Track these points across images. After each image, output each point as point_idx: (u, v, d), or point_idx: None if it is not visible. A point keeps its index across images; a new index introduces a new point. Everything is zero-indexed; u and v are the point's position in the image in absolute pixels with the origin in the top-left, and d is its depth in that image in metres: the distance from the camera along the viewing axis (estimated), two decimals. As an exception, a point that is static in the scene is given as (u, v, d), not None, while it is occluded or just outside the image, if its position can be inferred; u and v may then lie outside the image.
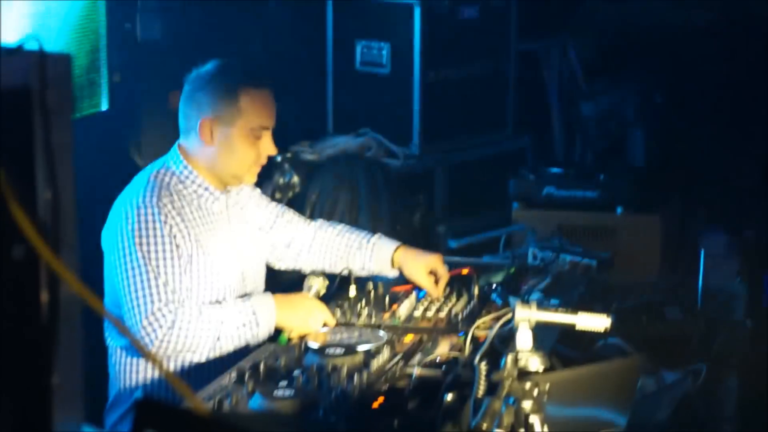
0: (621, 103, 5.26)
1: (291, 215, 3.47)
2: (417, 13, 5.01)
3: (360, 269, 3.42)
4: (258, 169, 3.21)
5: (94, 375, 3.30)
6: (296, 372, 2.71)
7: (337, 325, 3.11)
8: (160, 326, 2.94)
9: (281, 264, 3.48)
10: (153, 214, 3.04)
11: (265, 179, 4.73)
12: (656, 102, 5.17)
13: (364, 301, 3.26)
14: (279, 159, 5.01)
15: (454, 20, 5.17)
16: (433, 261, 3.31)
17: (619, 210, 4.31)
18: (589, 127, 5.33)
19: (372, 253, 3.40)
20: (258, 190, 3.45)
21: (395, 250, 3.38)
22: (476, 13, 5.26)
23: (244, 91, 3.12)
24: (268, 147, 3.19)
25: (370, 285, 3.36)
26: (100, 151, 4.29)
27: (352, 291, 3.32)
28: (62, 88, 1.16)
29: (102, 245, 3.15)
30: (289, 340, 3.02)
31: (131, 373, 3.17)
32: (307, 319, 3.04)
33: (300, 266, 3.48)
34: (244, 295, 3.23)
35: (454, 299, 3.28)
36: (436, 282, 3.31)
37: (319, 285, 3.21)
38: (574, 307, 3.12)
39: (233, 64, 3.18)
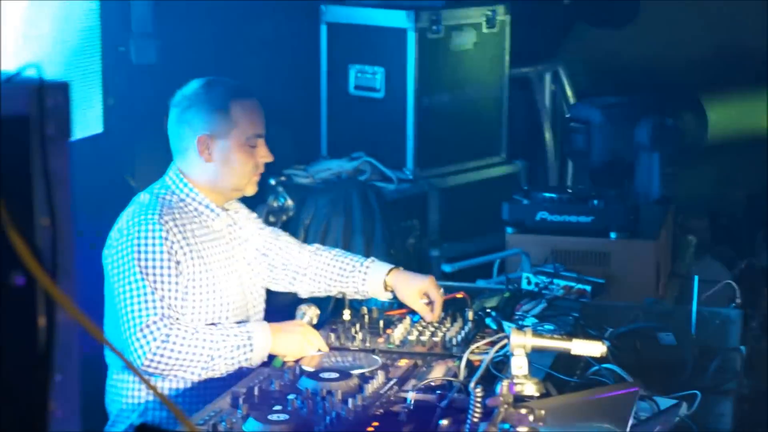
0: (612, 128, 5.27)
1: (287, 239, 3.49)
2: (411, 37, 5.03)
3: (354, 293, 3.43)
4: (257, 179, 3.26)
5: (96, 390, 3.32)
6: (291, 396, 2.70)
7: (332, 349, 3.11)
8: (154, 339, 2.94)
9: (277, 286, 3.49)
10: (153, 231, 3.05)
11: (259, 203, 4.73)
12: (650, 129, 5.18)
13: (358, 325, 3.26)
14: (273, 182, 5.02)
15: (449, 45, 5.19)
16: (426, 284, 3.31)
17: (613, 235, 4.31)
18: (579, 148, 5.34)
19: (365, 277, 3.41)
20: (254, 214, 3.48)
21: (387, 273, 3.38)
22: (471, 39, 5.28)
23: (235, 103, 3.18)
24: (264, 154, 3.24)
25: (365, 309, 3.36)
26: (95, 174, 4.29)
27: (347, 315, 3.32)
28: (60, 116, 1.16)
29: (103, 265, 3.15)
30: (284, 363, 3.02)
31: (130, 391, 3.18)
32: (302, 345, 3.04)
33: (296, 289, 3.50)
34: (246, 312, 3.25)
35: (448, 324, 3.28)
36: (430, 305, 3.31)
37: (311, 313, 3.21)
38: (569, 333, 3.14)
39: (218, 80, 3.23)
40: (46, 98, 1.13)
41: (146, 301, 2.98)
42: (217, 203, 3.25)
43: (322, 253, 3.49)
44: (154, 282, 3.01)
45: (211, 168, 3.20)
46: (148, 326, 2.95)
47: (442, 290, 3.34)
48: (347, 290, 3.42)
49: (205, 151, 3.17)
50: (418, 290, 3.31)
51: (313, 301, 3.91)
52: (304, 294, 3.53)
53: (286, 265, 3.44)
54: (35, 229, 1.13)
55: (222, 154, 3.18)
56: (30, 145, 1.13)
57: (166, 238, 3.07)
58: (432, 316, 3.27)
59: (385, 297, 3.40)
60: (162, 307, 2.98)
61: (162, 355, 2.94)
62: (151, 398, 3.17)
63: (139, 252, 3.03)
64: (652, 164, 5.08)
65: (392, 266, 3.41)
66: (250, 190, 3.28)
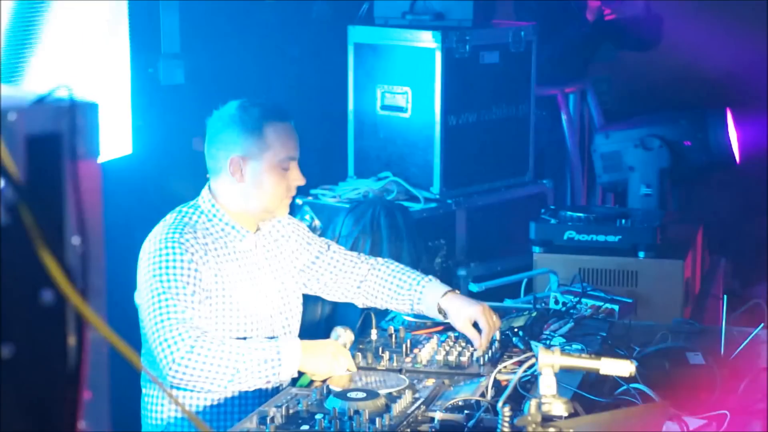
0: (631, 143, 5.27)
1: (338, 251, 3.48)
2: (438, 57, 5.04)
3: (409, 311, 3.43)
4: (289, 201, 3.27)
5: (131, 406, 3.34)
6: (318, 415, 2.71)
7: (359, 369, 3.11)
8: (178, 349, 2.95)
9: (331, 296, 3.50)
10: (174, 248, 3.07)
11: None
12: (655, 148, 5.18)
13: (385, 345, 3.26)
14: (300, 202, 5.04)
15: (475, 65, 5.19)
16: (476, 312, 3.27)
17: (641, 254, 4.30)
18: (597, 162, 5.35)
19: (421, 297, 3.39)
20: (304, 225, 3.49)
21: (443, 296, 3.36)
22: (497, 58, 5.28)
23: (269, 125, 3.19)
24: (296, 177, 3.25)
25: (392, 329, 3.36)
26: (124, 195, 4.32)
27: (374, 335, 3.32)
28: (90, 135, 1.18)
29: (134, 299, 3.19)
30: (312, 382, 3.02)
31: (159, 405, 3.19)
32: (332, 365, 3.04)
33: (350, 300, 3.51)
34: (272, 334, 3.26)
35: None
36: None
37: (345, 338, 3.20)
38: (597, 352, 3.13)
39: (254, 102, 3.24)
40: (77, 117, 1.14)
41: (169, 313, 3.00)
42: (245, 224, 3.26)
43: (380, 267, 3.48)
44: (177, 295, 3.03)
45: (243, 189, 3.21)
46: (173, 336, 2.97)
47: (494, 316, 3.31)
48: (402, 308, 3.42)
49: (237, 172, 3.19)
50: (468, 318, 3.27)
51: (340, 318, 3.93)
52: (360, 305, 3.53)
53: (336, 279, 3.45)
54: (66, 247, 1.14)
55: (254, 176, 3.20)
56: (61, 164, 1.14)
57: (187, 252, 3.08)
58: (479, 344, 3.24)
59: (440, 318, 3.38)
60: (186, 319, 3.00)
61: (187, 366, 2.95)
62: (179, 415, 3.18)
63: (161, 269, 3.05)
64: (634, 183, 5.10)
65: (448, 289, 3.38)
66: (281, 213, 3.29)
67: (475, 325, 3.27)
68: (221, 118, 3.22)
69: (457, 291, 3.39)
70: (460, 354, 3.20)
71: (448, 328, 3.39)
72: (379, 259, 3.55)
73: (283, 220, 3.41)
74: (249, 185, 3.21)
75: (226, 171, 3.21)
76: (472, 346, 3.24)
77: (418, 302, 3.39)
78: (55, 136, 1.14)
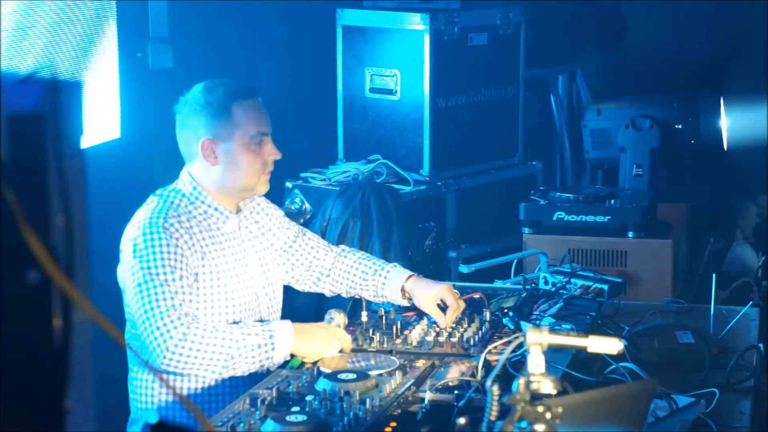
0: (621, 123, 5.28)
1: (313, 239, 3.51)
2: (427, 39, 5.03)
3: (373, 296, 3.45)
4: (267, 177, 3.27)
5: (118, 388, 3.34)
6: (309, 397, 2.71)
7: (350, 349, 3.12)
8: (171, 337, 2.95)
9: (301, 286, 3.52)
10: (159, 233, 3.07)
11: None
12: (645, 128, 5.19)
13: (375, 327, 3.27)
14: (289, 186, 5.04)
15: (464, 47, 5.19)
16: (441, 291, 3.31)
17: (630, 234, 4.30)
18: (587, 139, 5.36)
19: (384, 282, 3.42)
20: (280, 212, 3.50)
21: (406, 280, 3.39)
22: (485, 40, 5.28)
23: (235, 104, 3.19)
24: (271, 152, 3.25)
25: (382, 310, 3.37)
26: (112, 179, 4.31)
27: (364, 317, 3.33)
28: (74, 114, 1.17)
29: (117, 277, 3.18)
30: (302, 364, 3.03)
31: (148, 389, 3.19)
32: (323, 348, 3.05)
33: (320, 290, 3.53)
34: (259, 314, 3.26)
35: (465, 324, 3.28)
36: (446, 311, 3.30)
37: (339, 320, 3.21)
38: (586, 332, 3.13)
39: (218, 82, 3.23)
40: (60, 97, 1.14)
41: (158, 300, 3.00)
42: (227, 206, 3.26)
43: (347, 255, 3.51)
44: (165, 281, 3.02)
45: (218, 171, 3.21)
46: (165, 324, 2.97)
47: (458, 296, 3.33)
48: (366, 294, 3.44)
49: (210, 155, 3.19)
50: (433, 297, 3.31)
51: (332, 301, 3.93)
52: (328, 294, 3.56)
53: (310, 266, 3.47)
54: (50, 227, 1.14)
55: (227, 157, 3.19)
56: (44, 144, 1.14)
57: (172, 237, 3.08)
58: (445, 322, 3.27)
59: (402, 302, 3.41)
60: (175, 306, 2.99)
61: (181, 353, 2.95)
62: (169, 398, 3.18)
63: (147, 254, 3.05)
64: (625, 162, 5.11)
65: (411, 273, 3.42)
66: (262, 189, 3.29)
67: (441, 307, 3.30)
68: (187, 104, 3.21)
69: (420, 275, 3.41)
70: (450, 335, 3.20)
71: (415, 310, 3.40)
72: (344, 247, 3.59)
73: (262, 203, 3.42)
74: (224, 166, 3.20)
75: (200, 155, 3.20)
76: (438, 325, 3.26)
77: (382, 287, 3.42)
78: (38, 115, 1.14)
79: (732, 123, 5.25)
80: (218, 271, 3.17)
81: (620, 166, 5.25)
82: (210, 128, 3.18)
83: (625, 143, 5.18)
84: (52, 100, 1.15)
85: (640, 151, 5.17)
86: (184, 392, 3.12)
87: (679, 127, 5.25)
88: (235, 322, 3.17)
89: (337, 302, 4.12)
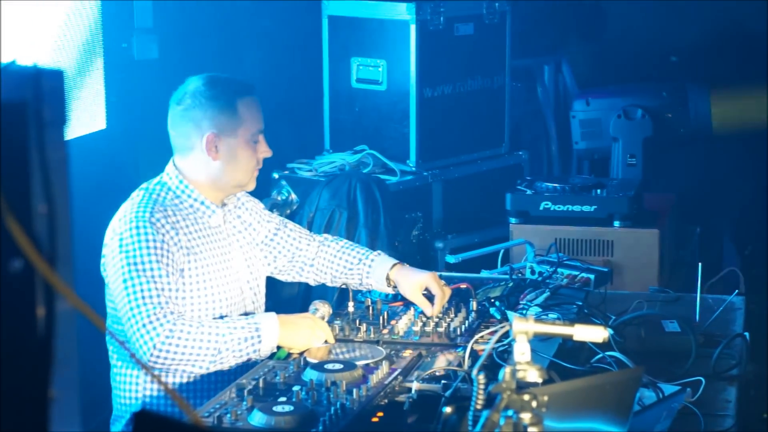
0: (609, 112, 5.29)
1: (295, 229, 3.51)
2: (413, 29, 5.03)
3: (358, 285, 3.45)
4: (257, 174, 3.26)
5: (101, 384, 3.33)
6: (295, 387, 2.71)
7: (336, 341, 3.12)
8: (157, 334, 2.94)
9: (285, 276, 3.52)
10: (145, 228, 3.06)
11: (262, 197, 4.74)
12: (637, 118, 5.20)
13: (362, 317, 3.27)
14: (276, 176, 5.03)
15: (450, 37, 5.18)
16: (427, 279, 3.31)
17: (616, 224, 4.31)
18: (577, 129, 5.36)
19: (369, 270, 3.42)
20: (261, 205, 3.50)
21: (391, 268, 3.39)
22: (471, 30, 5.27)
23: (241, 101, 3.20)
24: (264, 150, 3.27)
25: (369, 300, 3.37)
26: (98, 170, 4.30)
27: (351, 307, 3.33)
28: (56, 102, 1.17)
29: (101, 270, 3.17)
30: (289, 355, 3.02)
31: (133, 384, 3.18)
32: (309, 338, 3.05)
33: (303, 279, 3.54)
34: (244, 308, 3.26)
35: (452, 314, 3.28)
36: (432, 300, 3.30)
37: (323, 311, 3.22)
38: (573, 321, 3.14)
39: (220, 77, 3.22)
40: (42, 84, 1.14)
41: (144, 297, 2.98)
42: (214, 199, 3.25)
43: (330, 244, 3.51)
44: (152, 277, 3.01)
45: (217, 165, 3.20)
46: (151, 322, 2.95)
47: (444, 285, 3.33)
48: (351, 282, 3.44)
49: (213, 149, 3.18)
50: (418, 285, 3.31)
51: (318, 292, 3.93)
52: (312, 283, 3.56)
53: (293, 257, 3.47)
54: (33, 216, 1.13)
55: (229, 152, 3.19)
56: (27, 132, 1.13)
57: (158, 232, 3.07)
58: (431, 311, 3.26)
59: (387, 291, 3.41)
60: (161, 303, 2.98)
61: (168, 350, 2.94)
62: (154, 392, 3.17)
63: (133, 249, 3.03)
64: (618, 152, 5.12)
65: (396, 261, 3.42)
66: (251, 185, 3.30)
67: (427, 296, 3.30)
68: (189, 95, 3.18)
69: (405, 264, 3.42)
70: (437, 325, 3.20)
71: (401, 300, 3.40)
72: (326, 236, 3.59)
73: (242, 198, 3.41)
74: (224, 161, 3.19)
75: (200, 148, 3.18)
76: (424, 315, 3.26)
77: (367, 276, 3.42)
78: (20, 103, 1.13)
79: (720, 110, 5.27)
80: (204, 266, 3.16)
81: (612, 156, 5.25)
82: (215, 122, 3.17)
83: (618, 133, 5.18)
84: (34, 88, 1.14)
85: (634, 141, 5.17)
86: (169, 385, 3.11)
87: (670, 115, 5.26)
88: (221, 317, 3.16)
89: (323, 292, 4.12)
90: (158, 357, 2.94)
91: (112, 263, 3.07)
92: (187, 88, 3.20)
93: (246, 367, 3.03)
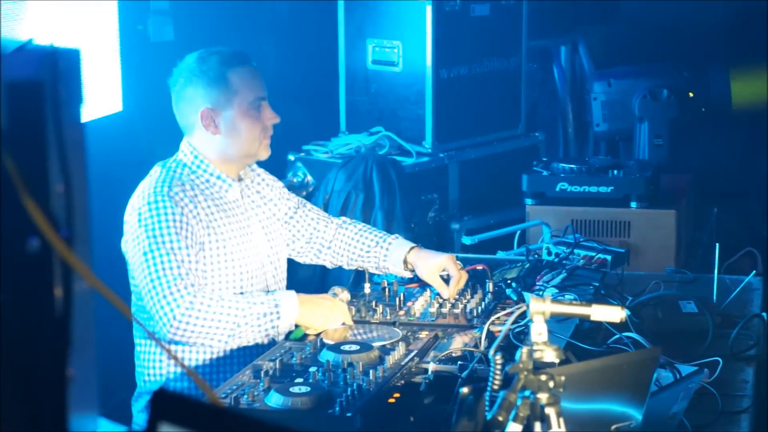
0: (631, 93, 5.27)
1: (313, 210, 3.51)
2: (429, 10, 5.01)
3: (374, 269, 3.45)
4: (268, 141, 3.27)
5: (120, 365, 3.34)
6: (312, 368, 2.71)
7: (353, 322, 3.12)
8: (177, 306, 2.95)
9: (302, 258, 3.52)
10: (164, 202, 3.07)
11: (278, 179, 4.75)
12: (663, 98, 5.17)
13: (378, 299, 3.27)
14: (292, 158, 5.03)
15: (466, 18, 5.17)
16: (445, 261, 3.30)
17: (633, 204, 4.30)
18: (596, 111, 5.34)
19: (387, 254, 3.42)
20: (281, 183, 3.50)
21: (409, 251, 3.39)
22: (487, 11, 5.26)
23: (231, 71, 3.19)
24: (270, 117, 3.25)
25: (385, 282, 3.37)
26: (115, 152, 4.31)
27: (367, 288, 3.33)
28: (73, 82, 1.17)
29: (122, 251, 3.18)
30: (305, 335, 3.03)
31: (156, 362, 3.20)
32: (328, 319, 3.05)
33: (321, 262, 3.54)
34: (265, 282, 3.26)
35: (468, 295, 3.28)
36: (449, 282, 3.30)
37: (342, 296, 3.21)
38: (589, 302, 3.13)
39: (210, 51, 3.23)
40: (59, 64, 1.14)
41: (165, 269, 2.99)
42: (229, 173, 3.26)
43: (348, 227, 3.51)
44: (171, 250, 3.02)
45: (220, 140, 3.21)
46: (172, 293, 2.96)
47: (461, 267, 3.32)
48: (368, 266, 3.43)
49: (210, 124, 3.18)
50: (436, 267, 3.31)
51: (335, 274, 3.93)
52: (329, 266, 3.56)
53: (311, 238, 3.47)
54: (50, 195, 1.14)
55: (228, 125, 3.19)
56: (43, 111, 1.14)
57: (177, 206, 3.08)
58: (448, 293, 3.26)
59: (406, 274, 3.41)
60: (182, 275, 2.99)
61: (188, 323, 2.95)
62: (177, 370, 3.18)
63: (153, 224, 3.05)
64: (644, 133, 5.09)
65: (413, 245, 3.41)
66: (263, 154, 3.28)
67: (444, 279, 3.30)
68: (182, 75, 3.20)
69: (421, 246, 3.41)
70: (453, 306, 3.20)
71: (417, 281, 3.40)
72: (345, 219, 3.58)
73: (262, 174, 3.42)
74: (225, 134, 3.20)
75: (199, 125, 3.20)
76: (441, 296, 3.26)
77: (384, 259, 3.41)
78: (37, 82, 1.14)
79: (740, 88, 5.24)
80: (224, 239, 3.17)
81: (636, 138, 5.22)
82: (208, 97, 3.18)
83: (645, 114, 5.15)
84: (51, 67, 1.14)
85: (660, 122, 5.15)
86: (192, 364, 3.12)
87: (691, 95, 5.24)
88: (241, 292, 3.17)
89: (340, 275, 4.13)
90: (178, 328, 2.95)
91: (132, 238, 3.08)
92: (180, 68, 3.21)
93: (263, 347, 3.04)
